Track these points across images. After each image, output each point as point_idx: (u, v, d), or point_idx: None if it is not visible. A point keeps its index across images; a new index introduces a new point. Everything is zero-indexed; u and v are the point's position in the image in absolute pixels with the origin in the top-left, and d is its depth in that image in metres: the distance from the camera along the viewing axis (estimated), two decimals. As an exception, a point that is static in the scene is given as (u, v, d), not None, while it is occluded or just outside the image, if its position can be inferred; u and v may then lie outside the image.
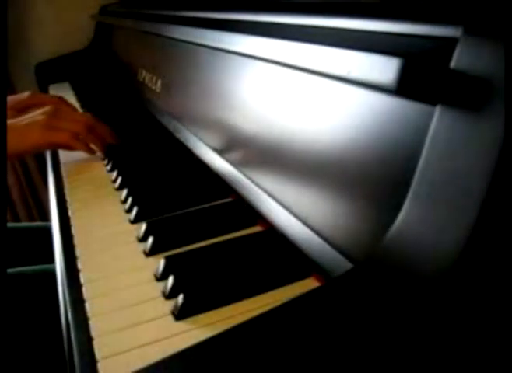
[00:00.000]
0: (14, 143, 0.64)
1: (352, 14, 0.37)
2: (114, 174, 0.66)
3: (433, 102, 0.28)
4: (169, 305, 0.38)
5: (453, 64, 0.27)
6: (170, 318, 0.37)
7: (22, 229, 0.87)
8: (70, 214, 0.57)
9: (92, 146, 0.73)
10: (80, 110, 0.98)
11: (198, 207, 0.53)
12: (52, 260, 0.55)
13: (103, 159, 0.73)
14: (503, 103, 0.24)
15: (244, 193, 0.50)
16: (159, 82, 0.86)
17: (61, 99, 0.80)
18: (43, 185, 1.64)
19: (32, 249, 0.82)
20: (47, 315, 0.59)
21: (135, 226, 0.51)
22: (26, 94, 0.79)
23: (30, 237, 0.84)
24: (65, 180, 0.69)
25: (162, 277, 0.41)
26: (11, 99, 0.76)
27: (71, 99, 1.20)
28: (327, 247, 0.36)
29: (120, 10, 1.28)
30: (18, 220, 1.65)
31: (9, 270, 0.67)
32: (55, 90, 1.36)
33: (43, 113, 0.67)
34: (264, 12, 0.51)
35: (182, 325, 0.36)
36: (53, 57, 1.51)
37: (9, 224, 0.89)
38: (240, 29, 0.51)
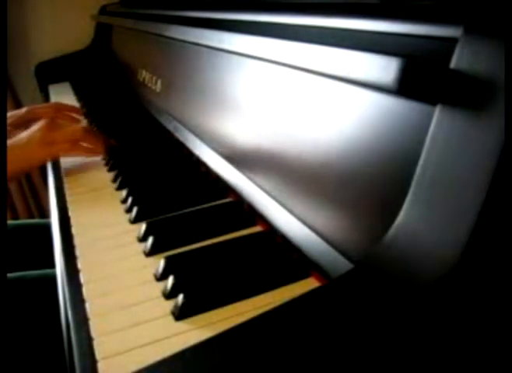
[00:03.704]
0: (16, 162, 0.65)
1: (352, 14, 0.37)
2: (114, 174, 0.66)
3: (433, 102, 0.28)
4: (169, 305, 0.38)
5: (453, 64, 0.27)
6: (170, 318, 0.37)
7: (21, 226, 0.87)
8: (70, 214, 0.57)
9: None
10: (80, 110, 0.98)
11: (197, 207, 0.53)
12: (51, 258, 0.55)
13: (104, 159, 0.73)
14: (502, 103, 0.24)
15: (244, 193, 0.50)
16: (159, 82, 0.86)
17: (57, 107, 0.81)
18: (42, 184, 1.64)
19: (32, 247, 0.82)
20: (48, 315, 0.59)
21: (135, 226, 0.51)
22: (23, 110, 0.80)
23: (30, 234, 0.85)
24: (65, 180, 0.69)
25: (162, 277, 0.41)
26: (8, 116, 0.77)
27: (72, 99, 1.20)
28: (327, 247, 0.36)
29: (120, 10, 1.28)
30: (17, 219, 1.65)
31: (10, 275, 0.68)
32: (55, 90, 1.36)
33: (39, 129, 0.67)
34: (264, 12, 0.51)
35: (182, 325, 0.36)
36: (53, 57, 1.51)
37: (9, 222, 0.89)
38: (240, 29, 0.51)
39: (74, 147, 0.68)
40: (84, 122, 0.73)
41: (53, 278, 0.53)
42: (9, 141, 0.67)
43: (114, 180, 0.64)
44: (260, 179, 0.48)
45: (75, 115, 0.86)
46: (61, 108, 0.85)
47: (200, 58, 0.66)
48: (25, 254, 0.80)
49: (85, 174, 0.70)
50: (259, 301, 0.37)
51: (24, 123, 0.74)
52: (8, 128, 0.72)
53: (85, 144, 0.71)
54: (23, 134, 0.67)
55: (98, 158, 0.74)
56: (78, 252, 0.48)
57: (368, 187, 0.34)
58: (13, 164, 0.63)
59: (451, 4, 0.30)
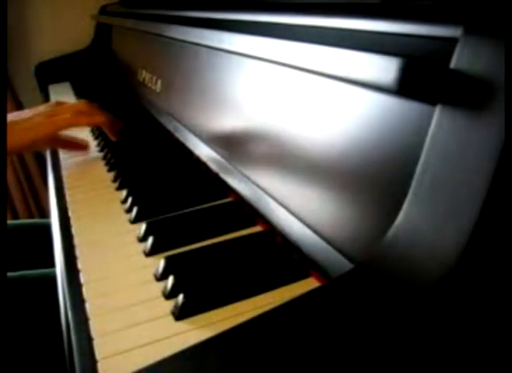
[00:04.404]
0: (21, 135, 0.67)
1: (352, 14, 0.37)
2: (114, 174, 0.66)
3: (433, 102, 0.28)
4: (169, 305, 0.38)
5: (453, 64, 0.27)
6: (170, 318, 0.37)
7: (21, 226, 0.87)
8: (70, 214, 0.57)
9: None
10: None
11: (197, 207, 0.53)
12: (51, 258, 0.55)
13: (104, 157, 0.73)
14: (502, 103, 0.24)
15: (244, 193, 0.50)
16: (159, 82, 0.86)
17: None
18: (42, 184, 1.64)
19: (32, 247, 0.82)
20: (48, 315, 0.59)
21: (135, 226, 0.51)
22: (26, 111, 0.81)
23: (30, 234, 0.85)
24: (65, 180, 0.69)
25: (162, 277, 0.41)
26: (13, 117, 0.78)
27: (72, 99, 1.20)
28: (327, 247, 0.36)
29: (120, 10, 1.28)
30: (17, 219, 1.65)
31: (10, 274, 0.68)
32: (55, 90, 1.36)
33: (44, 106, 0.72)
34: (264, 12, 0.51)
35: (182, 325, 0.36)
36: (53, 57, 1.51)
37: (9, 222, 0.89)
38: (240, 29, 0.51)
39: (76, 117, 0.71)
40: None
41: (53, 278, 0.53)
42: (16, 115, 0.70)
43: (114, 180, 0.64)
44: (260, 179, 0.48)
45: None
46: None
47: (200, 58, 0.66)
48: (25, 254, 0.80)
49: (86, 174, 0.70)
50: (259, 301, 0.37)
51: None
52: None
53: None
54: (30, 110, 0.71)
55: (98, 159, 0.74)
56: (78, 252, 0.48)
57: (368, 187, 0.34)
58: (18, 135, 0.67)
59: (451, 4, 0.30)
